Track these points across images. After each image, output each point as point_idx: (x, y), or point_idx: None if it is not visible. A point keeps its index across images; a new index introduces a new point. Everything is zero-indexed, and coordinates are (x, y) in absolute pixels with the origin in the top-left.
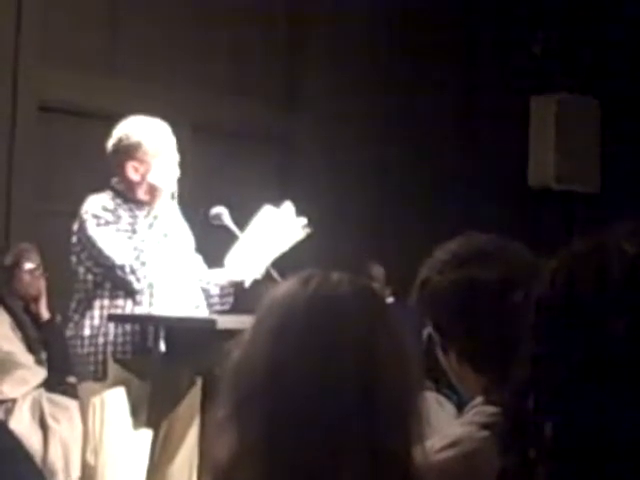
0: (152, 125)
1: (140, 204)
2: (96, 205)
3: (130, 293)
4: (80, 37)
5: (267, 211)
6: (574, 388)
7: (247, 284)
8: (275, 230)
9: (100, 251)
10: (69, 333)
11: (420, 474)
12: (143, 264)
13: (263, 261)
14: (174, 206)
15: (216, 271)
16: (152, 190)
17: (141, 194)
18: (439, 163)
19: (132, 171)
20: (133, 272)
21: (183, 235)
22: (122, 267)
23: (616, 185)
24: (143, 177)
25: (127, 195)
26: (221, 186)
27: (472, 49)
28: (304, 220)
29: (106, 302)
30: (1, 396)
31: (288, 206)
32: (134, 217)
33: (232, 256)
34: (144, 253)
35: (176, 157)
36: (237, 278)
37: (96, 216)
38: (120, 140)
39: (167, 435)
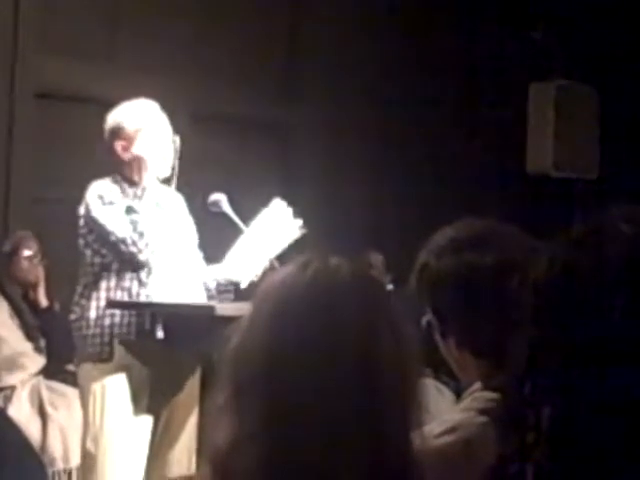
0: (133, 104)
1: (145, 189)
2: (101, 187)
3: (137, 268)
4: (79, 24)
5: (266, 214)
6: (572, 372)
7: (243, 285)
8: (273, 232)
9: (102, 227)
10: (74, 316)
11: (419, 459)
12: (141, 235)
13: (260, 263)
14: (179, 198)
15: (214, 268)
16: (139, 163)
17: (136, 175)
18: (438, 150)
19: (121, 150)
20: (134, 244)
21: (188, 228)
22: (124, 240)
23: (615, 172)
24: (133, 155)
25: (132, 179)
26: (220, 175)
27: (472, 36)
28: (300, 221)
29: (113, 283)
30: (0, 383)
31: (285, 207)
32: (138, 203)
33: (232, 255)
34: (140, 224)
35: (166, 132)
36: (234, 278)
37: (100, 197)
38: (107, 124)
39: (168, 422)
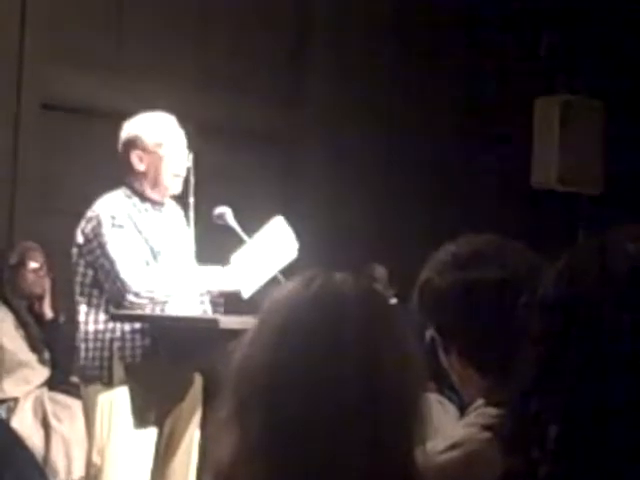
0: (153, 116)
1: (155, 204)
2: (113, 205)
3: (116, 307)
4: (85, 35)
5: (268, 229)
6: (578, 388)
7: (246, 296)
8: (274, 247)
9: (113, 265)
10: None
11: (422, 475)
12: (151, 290)
13: (260, 276)
14: (176, 208)
15: (212, 271)
16: (154, 177)
17: (149, 191)
18: (442, 163)
19: (137, 160)
20: (137, 295)
21: (187, 239)
22: (137, 294)
23: (619, 187)
24: (148, 167)
25: (142, 194)
26: (224, 185)
27: (476, 50)
28: (297, 244)
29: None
30: (3, 395)
31: (285, 225)
32: (149, 218)
33: (234, 264)
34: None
35: (183, 149)
36: (232, 288)
37: (112, 217)
38: (125, 134)
39: (170, 434)
